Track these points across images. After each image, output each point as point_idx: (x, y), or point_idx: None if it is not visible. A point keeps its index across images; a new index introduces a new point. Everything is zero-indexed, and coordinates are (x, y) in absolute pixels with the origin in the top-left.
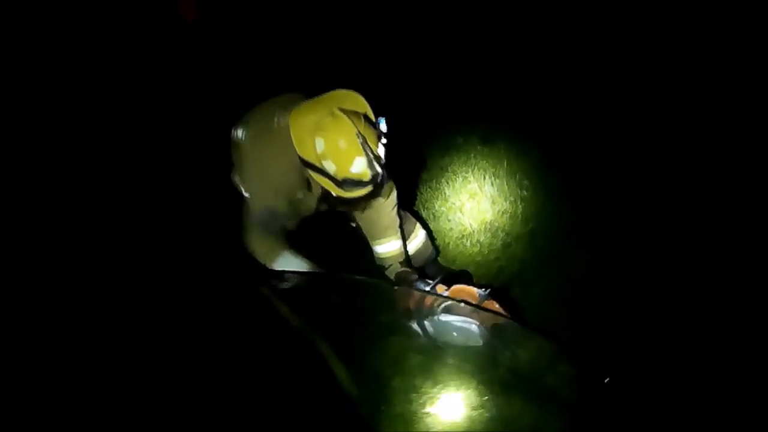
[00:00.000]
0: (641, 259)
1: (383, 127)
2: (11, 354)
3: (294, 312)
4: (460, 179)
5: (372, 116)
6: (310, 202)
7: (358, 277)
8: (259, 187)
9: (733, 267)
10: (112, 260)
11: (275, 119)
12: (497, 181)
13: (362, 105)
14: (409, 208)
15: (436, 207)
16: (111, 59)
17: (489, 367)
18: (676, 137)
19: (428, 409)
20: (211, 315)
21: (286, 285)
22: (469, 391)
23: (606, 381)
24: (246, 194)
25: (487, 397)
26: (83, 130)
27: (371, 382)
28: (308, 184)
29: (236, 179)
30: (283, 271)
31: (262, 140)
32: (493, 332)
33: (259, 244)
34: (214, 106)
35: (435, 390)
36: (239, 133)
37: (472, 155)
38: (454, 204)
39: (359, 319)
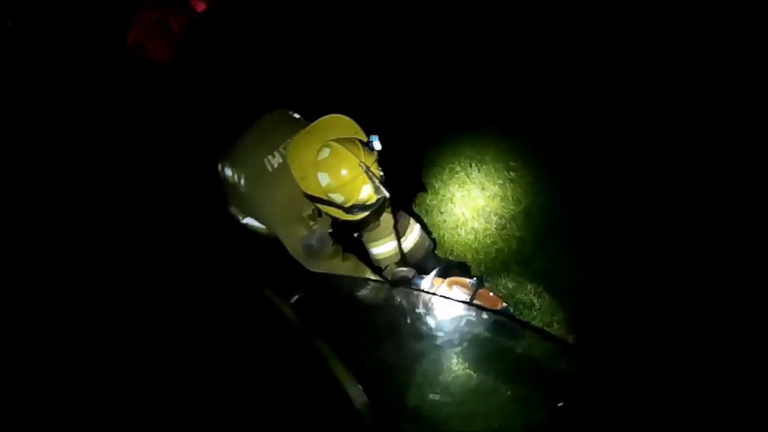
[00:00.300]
0: (639, 226)
1: (377, 145)
2: (11, 354)
3: (295, 312)
4: (447, 170)
5: (364, 137)
6: (324, 226)
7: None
8: (281, 227)
9: (724, 231)
10: (112, 263)
11: (266, 161)
12: (484, 167)
13: (353, 129)
14: (402, 205)
15: (427, 201)
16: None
17: (488, 358)
18: (650, 111)
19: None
20: (212, 315)
21: (288, 287)
22: (471, 379)
23: (559, 405)
24: (269, 233)
25: (488, 385)
26: (82, 130)
27: (374, 380)
28: (317, 212)
29: (241, 217)
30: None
31: (262, 186)
32: (489, 320)
33: (338, 269)
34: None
35: (438, 381)
36: (231, 174)
37: (457, 145)
38: (444, 196)
39: (361, 318)
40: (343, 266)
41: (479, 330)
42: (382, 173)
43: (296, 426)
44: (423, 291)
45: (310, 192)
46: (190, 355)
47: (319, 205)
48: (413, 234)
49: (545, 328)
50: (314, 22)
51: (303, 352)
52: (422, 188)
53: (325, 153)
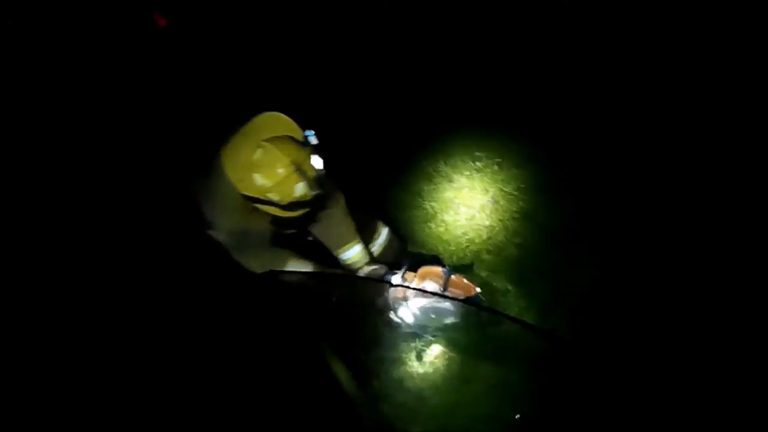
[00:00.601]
0: (609, 206)
1: (313, 140)
2: (10, 354)
3: (294, 311)
4: (414, 166)
5: (299, 134)
6: (265, 227)
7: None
8: (222, 225)
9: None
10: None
11: (214, 166)
12: (451, 159)
13: (287, 127)
14: (369, 205)
15: (398, 198)
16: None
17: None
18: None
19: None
20: (212, 316)
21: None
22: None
23: (517, 417)
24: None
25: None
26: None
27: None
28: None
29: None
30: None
31: (209, 189)
32: (465, 307)
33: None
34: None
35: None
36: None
37: (424, 140)
38: (413, 191)
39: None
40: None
41: (452, 320)
42: (320, 168)
43: (296, 425)
44: (395, 285)
45: (247, 193)
46: (190, 355)
47: (259, 206)
48: (381, 237)
49: (522, 313)
50: (303, 20)
51: (300, 351)
52: (390, 185)
53: (258, 154)
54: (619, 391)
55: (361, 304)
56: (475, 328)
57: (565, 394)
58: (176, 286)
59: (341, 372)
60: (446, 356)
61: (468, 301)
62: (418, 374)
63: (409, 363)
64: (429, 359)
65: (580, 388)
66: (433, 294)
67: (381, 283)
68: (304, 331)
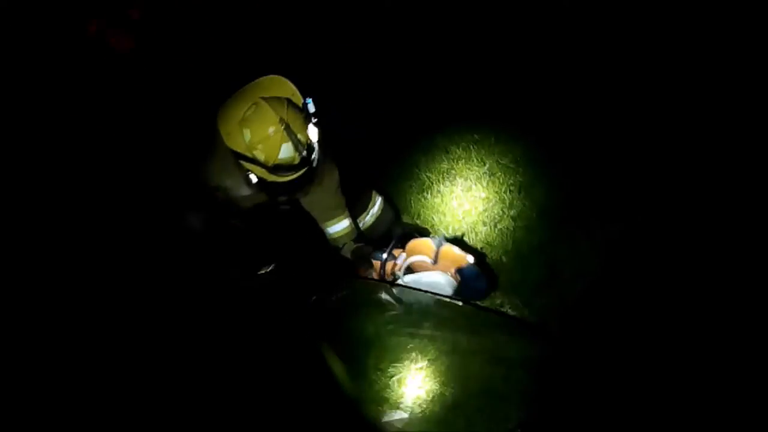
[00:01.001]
0: (602, 181)
1: (311, 107)
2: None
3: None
4: (410, 137)
5: (298, 99)
6: (250, 194)
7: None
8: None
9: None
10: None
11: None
12: (449, 129)
13: (287, 89)
14: (365, 177)
15: (392, 169)
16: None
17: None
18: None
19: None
20: (212, 316)
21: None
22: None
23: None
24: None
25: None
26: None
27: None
28: (246, 178)
29: None
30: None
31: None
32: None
33: None
34: None
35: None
36: None
37: (420, 113)
38: (409, 162)
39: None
40: None
41: (449, 283)
42: (314, 138)
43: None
44: (386, 282)
45: (234, 148)
46: (190, 355)
47: (245, 164)
48: (375, 207)
49: (516, 287)
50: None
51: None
52: (386, 157)
53: (251, 110)
54: (611, 386)
55: (360, 304)
56: (471, 327)
57: (560, 392)
58: (176, 286)
59: (340, 371)
60: (443, 357)
61: (466, 301)
62: (415, 374)
63: (407, 363)
64: (427, 359)
65: (574, 386)
66: (416, 289)
67: (369, 261)
68: (304, 331)
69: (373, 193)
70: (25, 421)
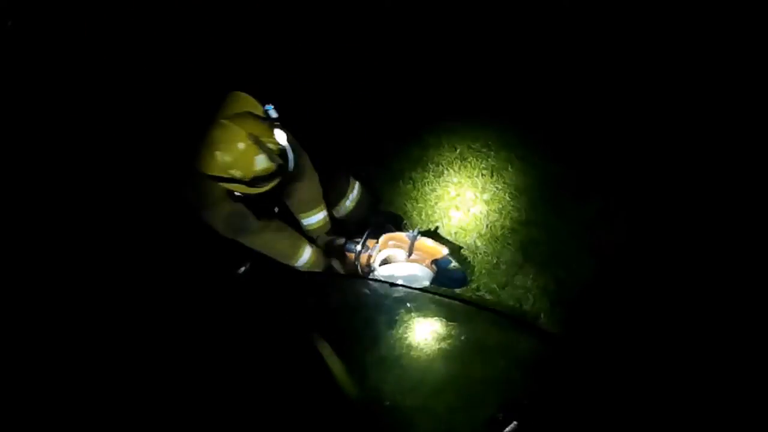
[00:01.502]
0: (579, 164)
1: (273, 113)
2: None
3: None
4: (381, 125)
5: (259, 109)
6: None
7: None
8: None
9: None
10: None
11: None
12: (419, 116)
13: (245, 103)
14: (342, 165)
15: (363, 157)
16: None
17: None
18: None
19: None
20: (211, 315)
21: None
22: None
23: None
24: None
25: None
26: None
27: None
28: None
29: None
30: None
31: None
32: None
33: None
34: None
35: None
36: None
37: (393, 102)
38: (380, 149)
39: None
40: (279, 238)
41: (426, 274)
42: (283, 142)
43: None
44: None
45: (211, 173)
46: (190, 356)
47: (224, 185)
48: (353, 193)
49: (491, 271)
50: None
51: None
52: (356, 145)
53: (217, 132)
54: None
55: (352, 305)
56: (449, 317)
57: (549, 387)
58: (173, 284)
59: (338, 370)
60: (421, 347)
61: (455, 297)
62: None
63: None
64: (402, 351)
65: (563, 383)
66: (392, 284)
67: (342, 253)
68: (301, 330)
69: (352, 180)
70: (25, 421)
